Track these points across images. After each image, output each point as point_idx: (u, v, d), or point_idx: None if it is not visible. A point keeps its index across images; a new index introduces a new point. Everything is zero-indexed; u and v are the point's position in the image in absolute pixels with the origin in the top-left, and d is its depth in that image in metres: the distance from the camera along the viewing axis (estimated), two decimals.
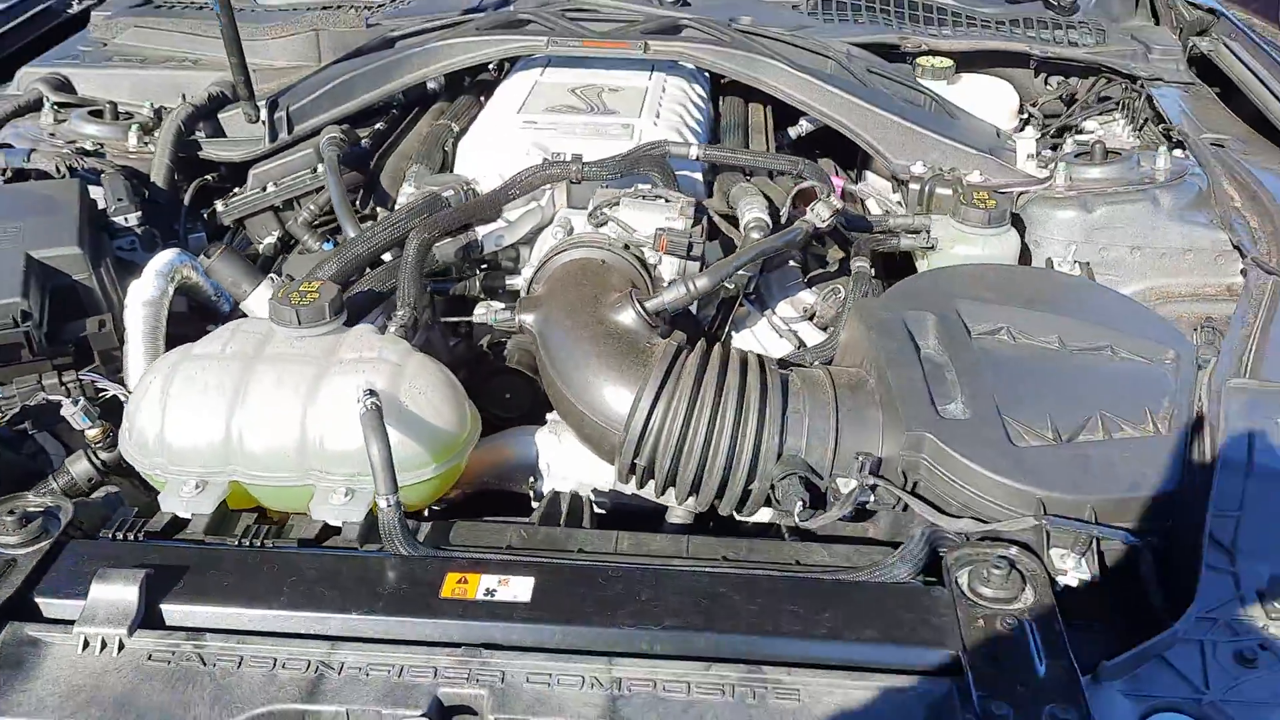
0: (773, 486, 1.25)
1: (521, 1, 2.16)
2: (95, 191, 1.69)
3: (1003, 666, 1.03)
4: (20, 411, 1.41)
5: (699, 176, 1.66)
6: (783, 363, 1.40)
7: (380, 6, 2.16)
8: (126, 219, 1.66)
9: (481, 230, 1.54)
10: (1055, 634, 1.06)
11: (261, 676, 1.04)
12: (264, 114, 1.82)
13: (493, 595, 1.11)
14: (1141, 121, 2.02)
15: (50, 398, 1.40)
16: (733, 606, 1.10)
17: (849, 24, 2.10)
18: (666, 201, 1.46)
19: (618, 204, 1.46)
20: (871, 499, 1.24)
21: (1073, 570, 1.14)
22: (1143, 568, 1.16)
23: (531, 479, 1.45)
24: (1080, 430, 1.26)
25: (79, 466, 1.38)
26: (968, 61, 2.10)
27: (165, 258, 1.56)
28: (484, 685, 1.03)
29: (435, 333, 1.54)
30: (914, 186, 1.73)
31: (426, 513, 1.47)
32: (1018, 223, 1.71)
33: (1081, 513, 1.18)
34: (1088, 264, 1.59)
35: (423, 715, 1.00)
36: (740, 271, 1.45)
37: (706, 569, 1.16)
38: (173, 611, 1.10)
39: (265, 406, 1.24)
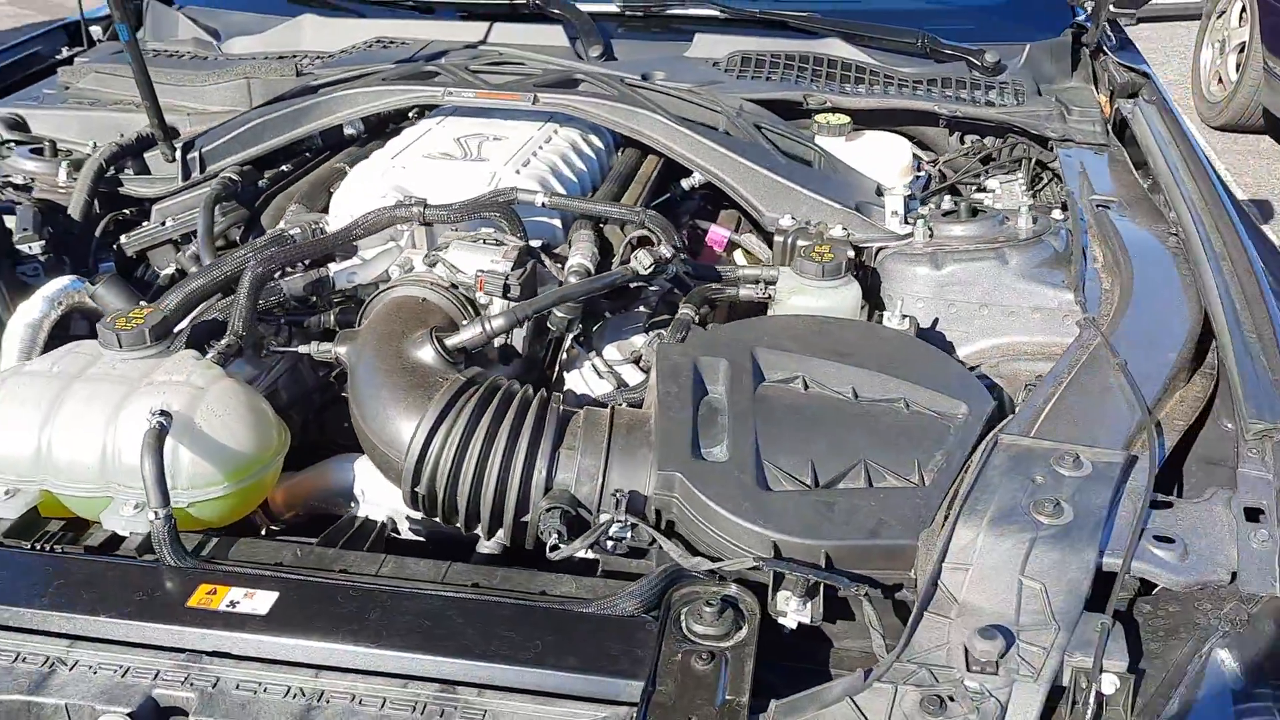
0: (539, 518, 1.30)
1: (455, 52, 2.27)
2: (11, 221, 1.84)
3: (682, 701, 1.05)
4: None
5: (558, 224, 1.73)
6: (596, 403, 1.45)
7: (320, 58, 2.28)
8: (30, 247, 1.79)
9: (335, 267, 1.63)
10: (744, 672, 1.08)
11: (1, 667, 1.12)
12: (178, 154, 1.95)
13: (235, 607, 1.18)
14: (1039, 181, 2.03)
15: None
16: (452, 629, 1.15)
17: (760, 80, 2.15)
18: (497, 245, 1.53)
19: (448, 246, 1.53)
20: (629, 535, 1.28)
21: (793, 613, 1.16)
22: (866, 614, 1.17)
23: (352, 504, 1.52)
24: (841, 478, 1.28)
25: None
26: (876, 119, 2.13)
27: (56, 284, 1.70)
28: (196, 689, 1.09)
29: (304, 364, 1.63)
30: (778, 239, 1.77)
31: (264, 531, 1.55)
32: (874, 276, 1.73)
33: (816, 557, 1.20)
34: (913, 318, 1.60)
35: (129, 714, 1.07)
36: (559, 314, 1.51)
37: (446, 594, 1.21)
38: None
39: (74, 422, 1.33)
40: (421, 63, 2.10)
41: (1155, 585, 1.18)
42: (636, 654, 1.11)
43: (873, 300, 1.71)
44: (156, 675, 1.10)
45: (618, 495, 1.27)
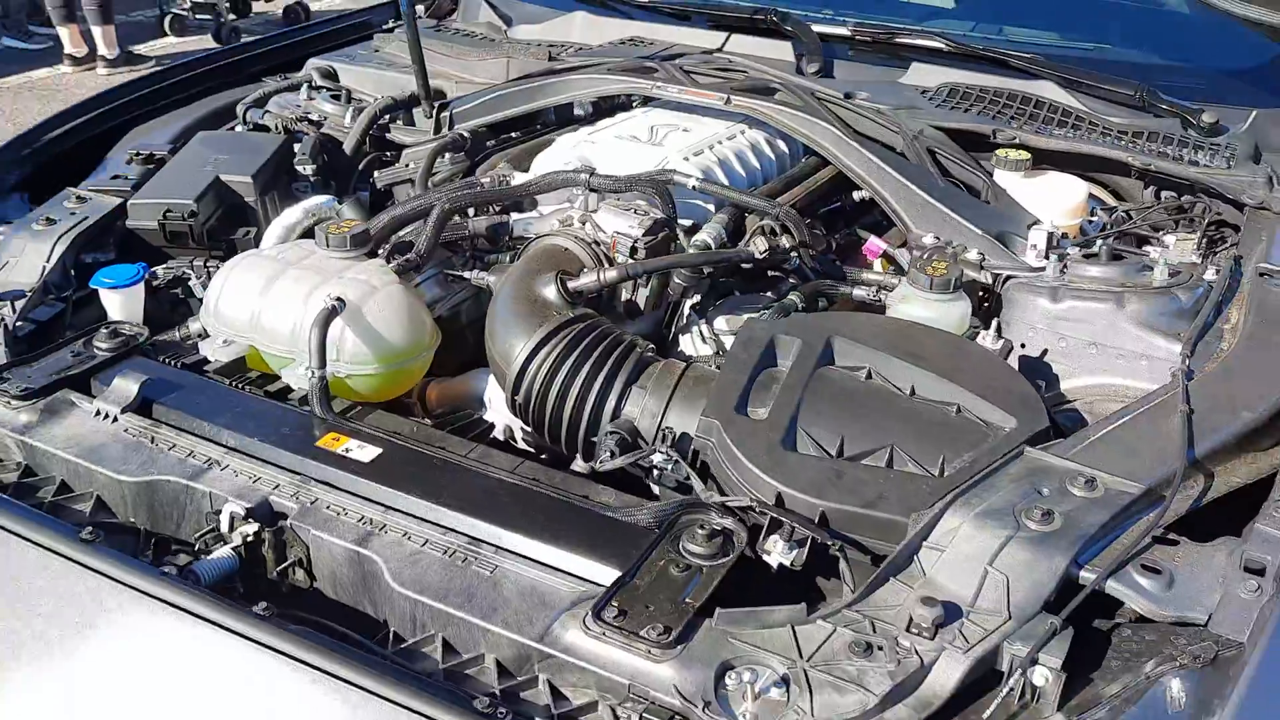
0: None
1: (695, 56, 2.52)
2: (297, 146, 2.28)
3: (647, 593, 1.24)
4: (173, 278, 2.00)
5: (711, 209, 1.94)
6: (688, 360, 1.66)
7: (579, 49, 2.61)
8: (305, 168, 2.22)
9: (516, 216, 1.93)
10: (709, 585, 1.25)
11: (176, 458, 1.49)
12: (434, 113, 2.33)
13: (348, 453, 1.49)
14: (1222, 243, 2.00)
15: (185, 271, 1.97)
16: (496, 504, 1.40)
17: (958, 111, 2.24)
18: (638, 214, 1.77)
19: (598, 209, 1.79)
20: (670, 469, 1.47)
21: (777, 554, 1.31)
22: (841, 568, 1.31)
23: (482, 410, 1.81)
24: (864, 456, 1.41)
25: (194, 325, 1.93)
26: (1068, 163, 2.17)
27: (314, 200, 2.11)
28: (299, 503, 1.41)
29: (485, 293, 1.94)
30: (915, 253, 1.89)
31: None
32: (997, 301, 1.82)
33: (813, 514, 1.35)
34: (1008, 340, 1.67)
35: (248, 508, 1.40)
36: (677, 280, 1.73)
37: (506, 480, 1.46)
38: (156, 407, 1.59)
39: (280, 297, 1.70)
40: (646, 59, 2.36)
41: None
42: (630, 553, 1.31)
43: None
44: (276, 487, 1.43)
45: (667, 432, 1.47)
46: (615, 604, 1.22)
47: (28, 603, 1.25)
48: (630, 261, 1.68)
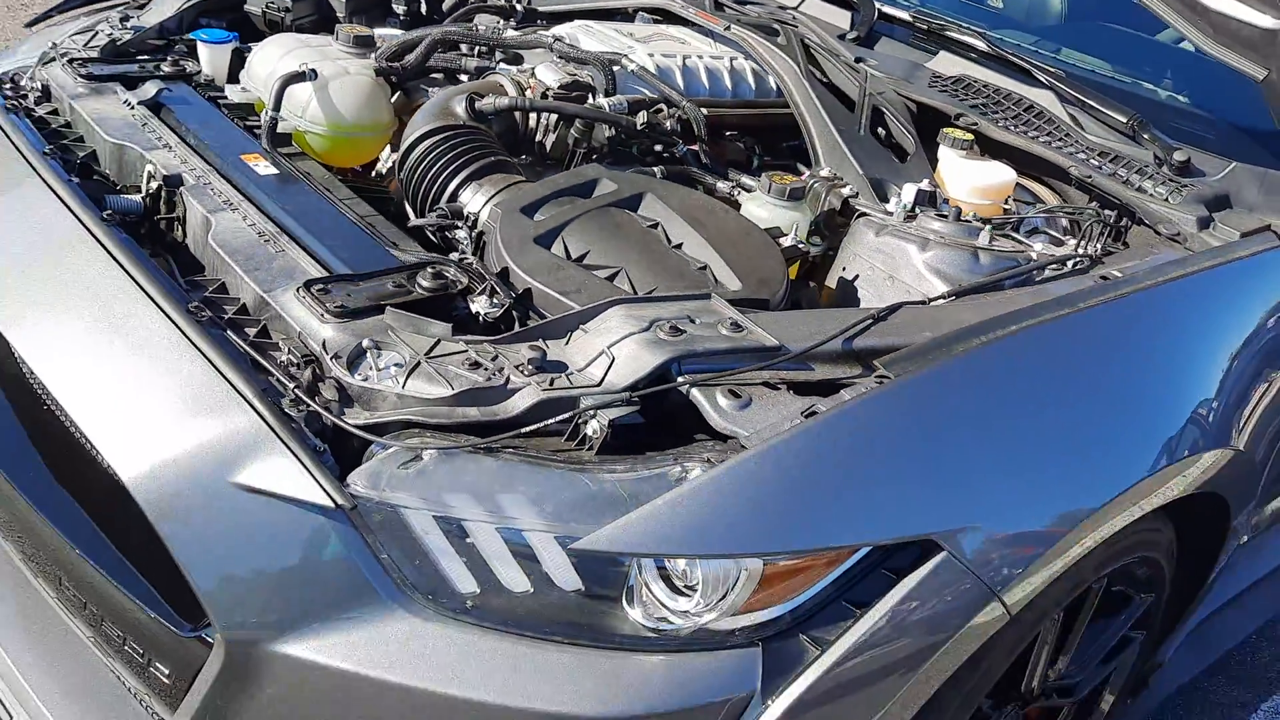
0: None
1: None
2: None
3: (357, 288, 1.61)
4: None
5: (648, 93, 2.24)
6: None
7: None
8: (398, 6, 2.71)
9: (503, 66, 2.32)
10: (405, 297, 1.60)
11: (147, 138, 2.00)
12: None
13: (257, 166, 1.95)
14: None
15: None
16: (316, 218, 1.80)
17: (934, 90, 2.40)
18: (569, 74, 2.12)
19: (543, 64, 2.15)
20: (463, 244, 1.82)
21: (477, 305, 1.62)
22: (515, 325, 1.62)
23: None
24: (597, 269, 1.70)
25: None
26: (1022, 160, 2.29)
27: (379, 31, 2.60)
28: (196, 180, 1.88)
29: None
30: (808, 177, 2.12)
31: None
32: (839, 229, 2.02)
33: (522, 286, 1.66)
34: (810, 244, 1.89)
35: (166, 175, 1.88)
36: (572, 133, 2.07)
37: (342, 209, 1.86)
38: (164, 109, 2.11)
39: (286, 63, 2.18)
40: None
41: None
42: (377, 267, 1.68)
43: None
44: (192, 170, 1.90)
45: (469, 214, 1.83)
46: (328, 286, 1.60)
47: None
48: (522, 97, 2.04)
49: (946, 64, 2.58)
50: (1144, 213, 2.13)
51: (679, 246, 1.79)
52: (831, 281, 1.99)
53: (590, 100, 2.11)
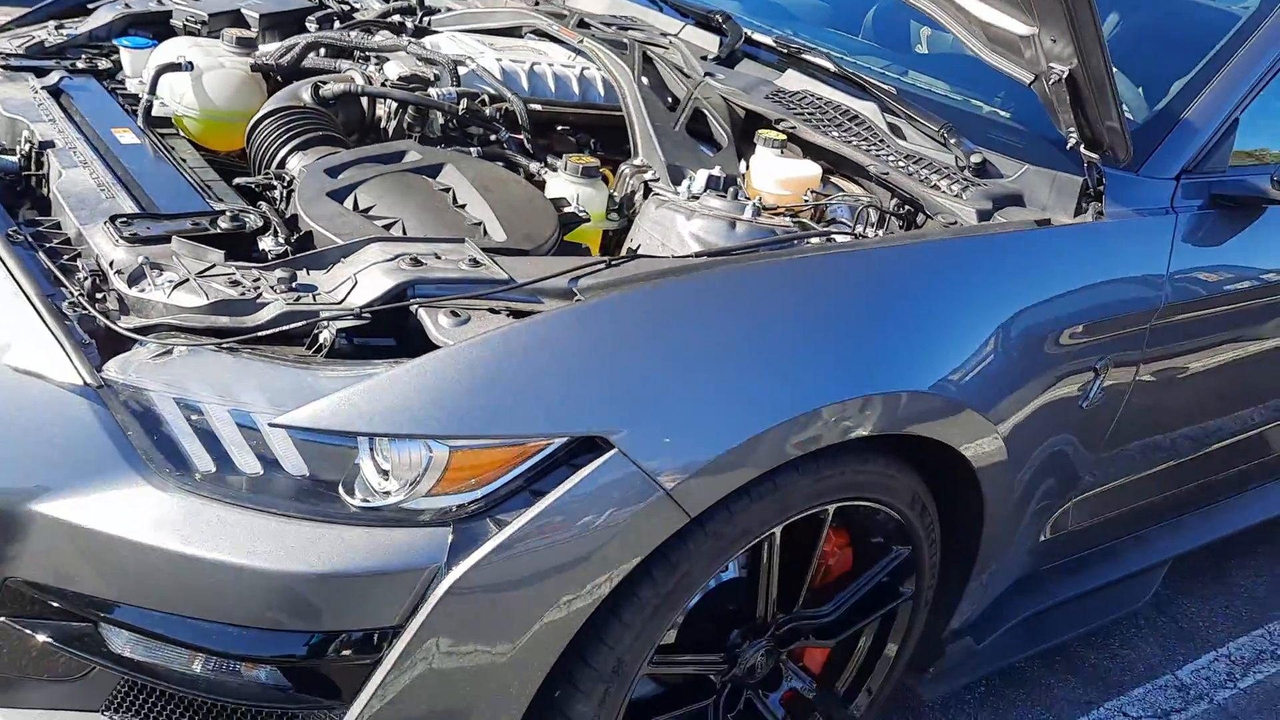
0: None
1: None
2: None
3: (160, 225, 1.87)
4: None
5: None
6: None
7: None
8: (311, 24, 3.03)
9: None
10: (199, 235, 1.86)
11: (37, 112, 2.31)
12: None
13: (119, 139, 2.24)
14: None
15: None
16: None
17: (775, 103, 2.63)
18: (413, 70, 2.40)
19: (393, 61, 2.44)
20: (276, 197, 2.09)
21: (264, 243, 1.88)
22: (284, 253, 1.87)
23: None
24: (379, 220, 1.95)
25: None
26: (837, 161, 2.51)
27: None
28: (65, 144, 2.18)
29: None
30: (623, 168, 2.36)
31: None
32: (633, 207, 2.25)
33: (306, 228, 1.91)
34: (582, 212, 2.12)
35: (41, 140, 2.18)
36: (407, 117, 2.34)
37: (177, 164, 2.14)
38: (63, 95, 2.43)
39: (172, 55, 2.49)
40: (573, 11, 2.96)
41: None
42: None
43: None
44: (66, 139, 2.20)
45: (282, 172, 2.09)
46: (131, 220, 1.86)
47: None
48: (355, 84, 2.32)
49: (793, 80, 2.81)
50: (930, 205, 2.32)
51: (463, 207, 2.03)
52: (623, 250, 2.21)
53: (425, 92, 2.39)
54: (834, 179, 2.53)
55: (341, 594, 1.59)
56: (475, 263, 1.79)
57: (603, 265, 1.83)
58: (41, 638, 1.67)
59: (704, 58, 2.90)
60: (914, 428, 1.91)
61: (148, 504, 1.60)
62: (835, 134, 2.54)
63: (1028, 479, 2.27)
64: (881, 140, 2.54)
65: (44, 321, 1.66)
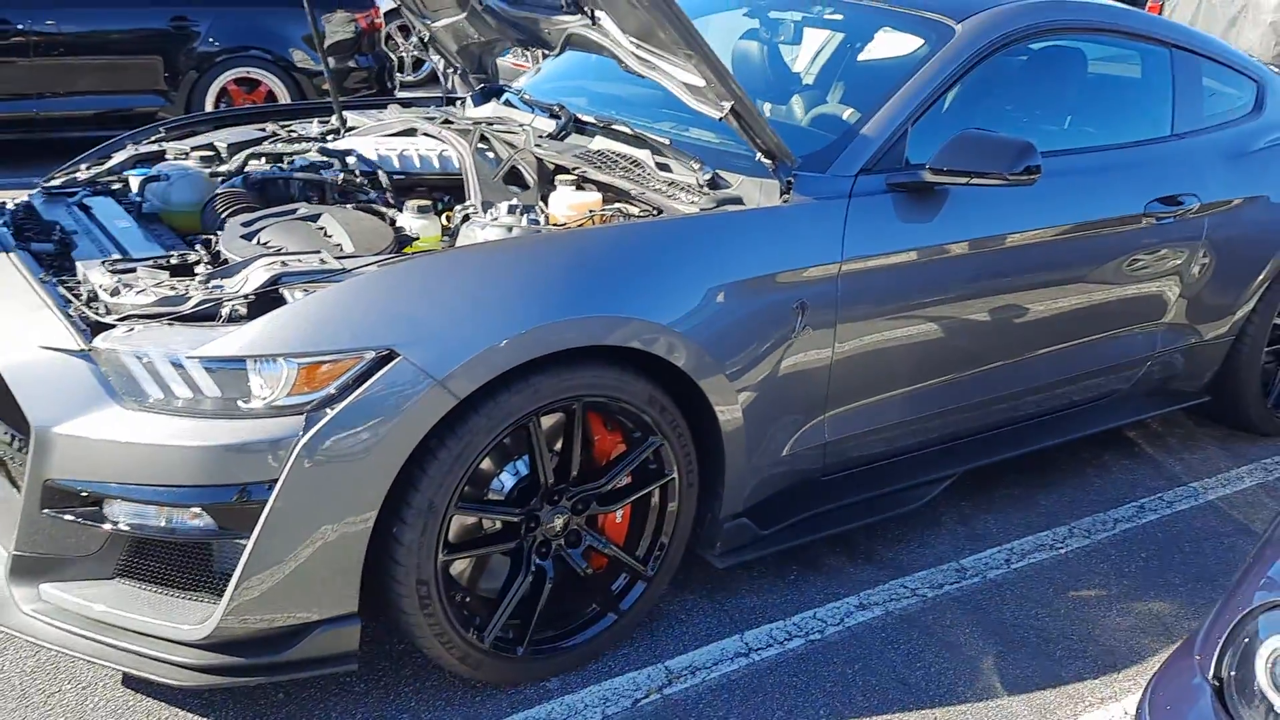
0: None
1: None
2: None
3: None
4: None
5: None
6: None
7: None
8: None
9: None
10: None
11: None
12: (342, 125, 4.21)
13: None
14: None
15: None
16: None
17: (572, 156, 3.69)
18: (311, 158, 3.52)
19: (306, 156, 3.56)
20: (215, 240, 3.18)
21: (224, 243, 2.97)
22: (211, 270, 2.94)
23: None
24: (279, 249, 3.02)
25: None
26: (612, 191, 3.54)
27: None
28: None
29: None
30: (459, 208, 3.42)
31: None
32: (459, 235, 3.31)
33: (217, 250, 2.99)
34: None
35: None
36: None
37: None
38: None
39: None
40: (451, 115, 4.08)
41: None
42: None
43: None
44: (78, 224, 3.33)
45: (226, 225, 3.19)
46: (115, 262, 2.96)
47: None
48: (265, 167, 3.44)
49: (599, 143, 3.87)
50: (669, 210, 3.34)
51: (330, 237, 3.10)
52: None
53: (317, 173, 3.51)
54: (618, 203, 3.56)
55: (242, 459, 2.60)
56: (323, 262, 2.85)
57: (397, 255, 2.88)
58: (69, 518, 2.70)
59: (544, 135, 3.99)
60: (630, 342, 2.89)
61: (124, 420, 2.64)
62: (616, 173, 3.58)
63: (754, 399, 3.20)
64: (648, 175, 3.58)
65: (58, 319, 2.75)
